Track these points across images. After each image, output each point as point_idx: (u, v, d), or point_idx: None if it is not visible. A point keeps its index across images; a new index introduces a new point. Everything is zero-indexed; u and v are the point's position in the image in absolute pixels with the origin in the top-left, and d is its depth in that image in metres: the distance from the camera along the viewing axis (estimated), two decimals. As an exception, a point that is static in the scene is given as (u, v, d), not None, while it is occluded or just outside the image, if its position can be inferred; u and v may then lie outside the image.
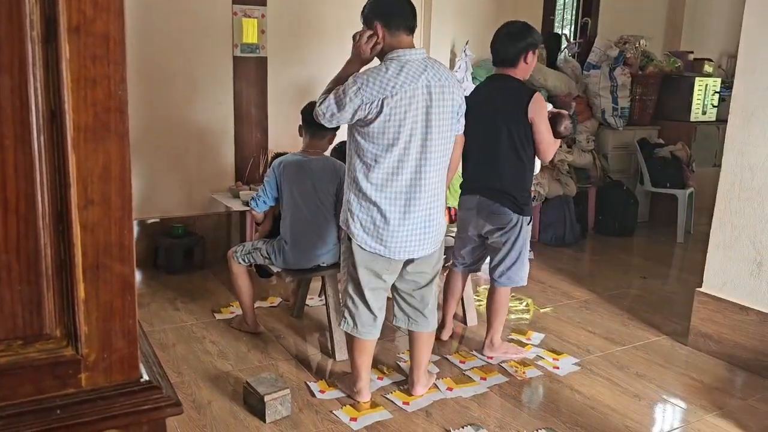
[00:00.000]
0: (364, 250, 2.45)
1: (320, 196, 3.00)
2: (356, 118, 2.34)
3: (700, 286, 3.32)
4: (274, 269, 3.16)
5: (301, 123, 3.09)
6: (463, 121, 2.55)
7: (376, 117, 2.31)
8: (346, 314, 2.60)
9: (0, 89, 0.79)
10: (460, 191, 3.12)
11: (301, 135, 3.12)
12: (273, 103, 4.59)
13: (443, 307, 3.31)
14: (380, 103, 2.29)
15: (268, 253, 3.12)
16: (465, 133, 2.66)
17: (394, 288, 2.66)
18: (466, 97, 2.61)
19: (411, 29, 2.40)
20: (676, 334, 3.50)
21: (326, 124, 2.43)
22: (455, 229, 3.32)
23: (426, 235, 2.47)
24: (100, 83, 0.84)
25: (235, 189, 4.31)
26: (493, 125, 2.89)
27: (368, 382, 2.71)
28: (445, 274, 4.20)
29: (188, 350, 3.14)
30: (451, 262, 3.28)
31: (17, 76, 0.80)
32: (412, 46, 2.39)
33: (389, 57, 2.36)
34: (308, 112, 2.94)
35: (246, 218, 4.27)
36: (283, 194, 3.04)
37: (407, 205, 2.40)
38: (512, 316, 3.63)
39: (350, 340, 2.65)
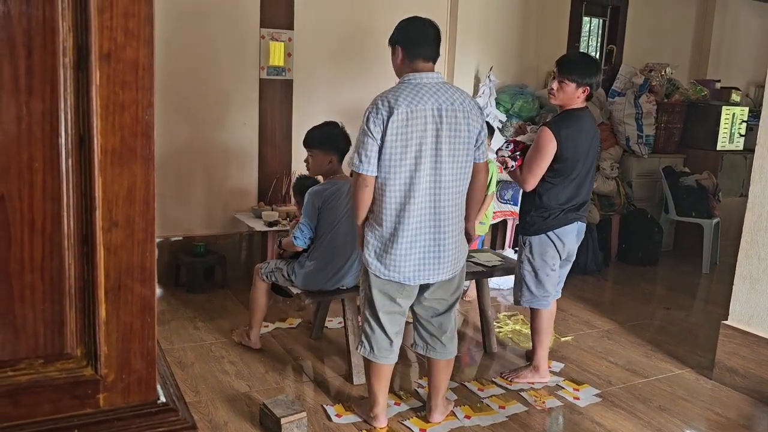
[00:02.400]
0: (378, 276, 2.46)
1: (353, 220, 3.01)
2: (379, 141, 2.34)
3: (726, 319, 3.25)
4: (294, 291, 3.16)
5: (323, 149, 3.08)
6: (484, 148, 2.54)
7: (383, 136, 2.32)
8: (363, 338, 2.59)
9: (31, 113, 0.82)
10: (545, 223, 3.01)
11: (329, 162, 3.07)
12: (298, 125, 4.64)
13: (540, 346, 3.16)
14: (386, 121, 2.31)
15: (288, 275, 3.14)
16: (565, 164, 2.85)
17: (413, 313, 2.65)
18: (567, 128, 2.85)
19: (429, 57, 2.43)
20: (701, 367, 3.42)
21: (366, 170, 2.35)
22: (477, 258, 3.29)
23: (440, 261, 2.45)
24: (128, 108, 0.86)
25: (258, 209, 4.34)
26: (593, 154, 3.04)
27: (385, 408, 2.69)
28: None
29: (206, 369, 3.15)
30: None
31: (48, 101, 0.82)
32: (429, 71, 2.42)
33: (402, 80, 2.42)
34: (337, 138, 2.99)
35: (268, 239, 4.29)
36: (321, 221, 3.05)
37: (418, 229, 2.40)
38: (531, 344, 3.58)
39: (367, 365, 2.64)
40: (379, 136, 2.32)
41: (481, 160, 2.55)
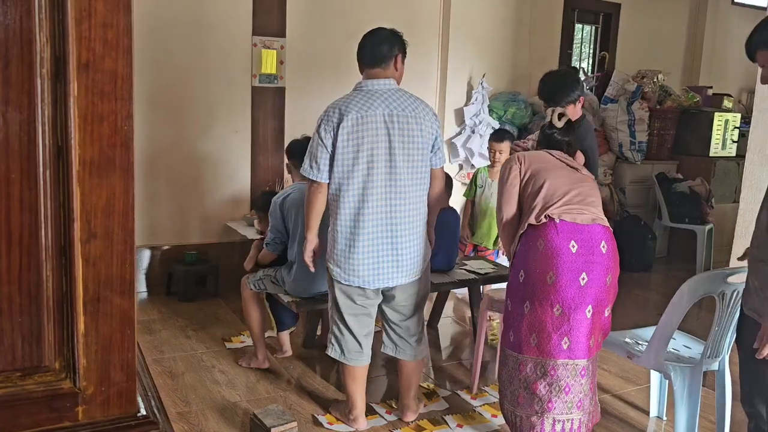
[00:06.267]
0: (339, 281, 2.52)
1: (326, 222, 3.01)
2: (330, 148, 2.41)
3: (719, 325, 3.24)
4: (285, 299, 3.15)
5: (289, 161, 3.20)
6: (440, 154, 2.58)
7: (334, 142, 2.39)
8: (333, 341, 2.63)
9: (8, 124, 0.81)
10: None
11: (289, 172, 3.26)
12: (290, 132, 4.63)
13: None
14: (336, 128, 2.38)
15: (277, 279, 3.13)
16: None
17: (381, 316, 2.68)
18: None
19: (374, 64, 2.49)
20: (694, 373, 3.40)
21: (317, 177, 2.46)
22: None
23: (398, 265, 2.49)
24: (107, 119, 0.86)
25: (250, 218, 4.33)
26: None
27: (364, 410, 2.71)
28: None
29: (197, 379, 3.13)
30: None
31: (26, 111, 0.82)
32: (380, 78, 2.48)
33: (355, 88, 2.51)
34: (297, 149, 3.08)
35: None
36: (291, 226, 3.06)
37: (374, 234, 2.44)
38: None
39: (342, 368, 2.67)
40: (329, 144, 2.40)
41: (437, 166, 2.59)
